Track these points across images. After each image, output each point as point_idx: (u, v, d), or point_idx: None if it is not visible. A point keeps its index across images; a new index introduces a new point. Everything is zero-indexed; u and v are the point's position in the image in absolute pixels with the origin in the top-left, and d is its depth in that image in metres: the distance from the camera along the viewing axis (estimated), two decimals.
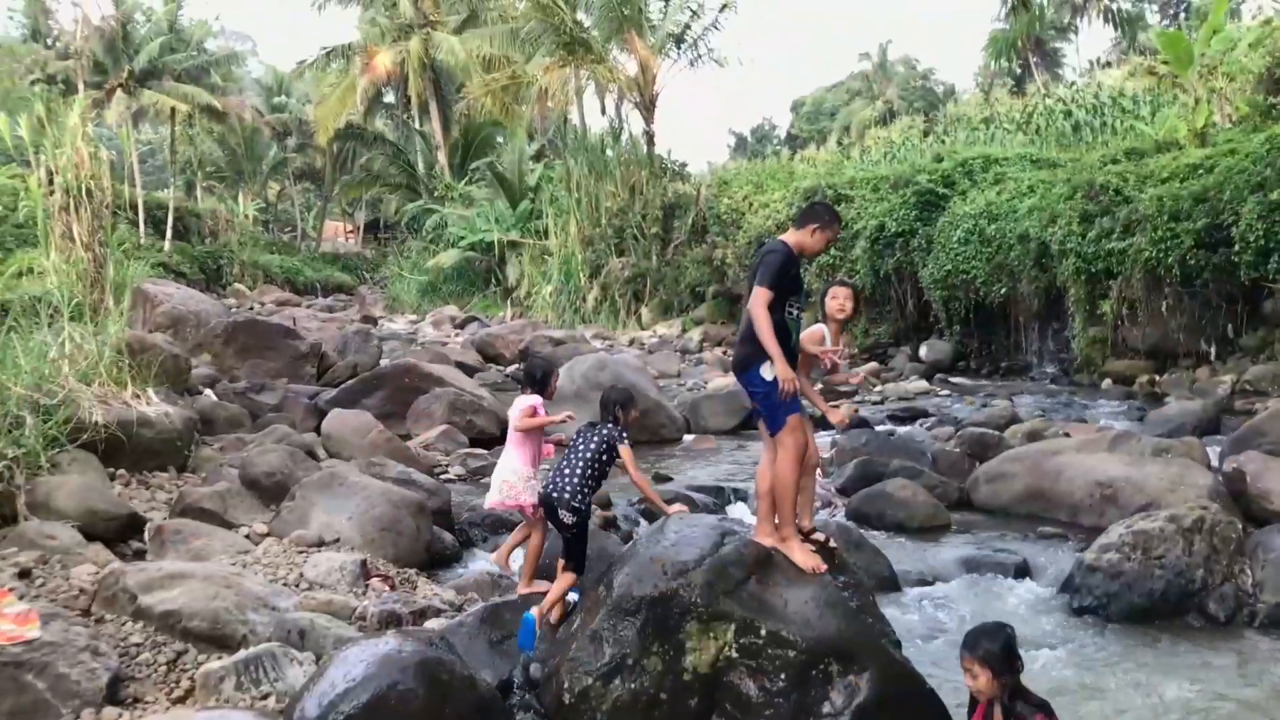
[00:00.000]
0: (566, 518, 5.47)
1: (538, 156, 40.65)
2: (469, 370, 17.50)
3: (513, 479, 5.93)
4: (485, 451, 11.87)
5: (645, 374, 14.47)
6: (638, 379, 13.83)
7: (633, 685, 4.71)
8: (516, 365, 20.24)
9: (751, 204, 28.14)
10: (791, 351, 5.19)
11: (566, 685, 4.78)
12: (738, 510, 9.26)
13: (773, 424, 5.15)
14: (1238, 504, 8.85)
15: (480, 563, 7.90)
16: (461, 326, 29.21)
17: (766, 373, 5.06)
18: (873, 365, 21.97)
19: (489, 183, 39.15)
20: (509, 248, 35.24)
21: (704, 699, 4.72)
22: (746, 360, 5.17)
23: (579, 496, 5.48)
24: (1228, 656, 6.10)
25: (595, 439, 5.63)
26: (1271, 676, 5.81)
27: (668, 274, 30.33)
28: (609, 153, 33.48)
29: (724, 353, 24.36)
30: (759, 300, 5.04)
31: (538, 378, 6.13)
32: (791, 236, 5.34)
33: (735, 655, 4.74)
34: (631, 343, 25.70)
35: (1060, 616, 6.96)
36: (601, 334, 26.93)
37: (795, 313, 5.28)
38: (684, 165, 36.15)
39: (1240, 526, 7.41)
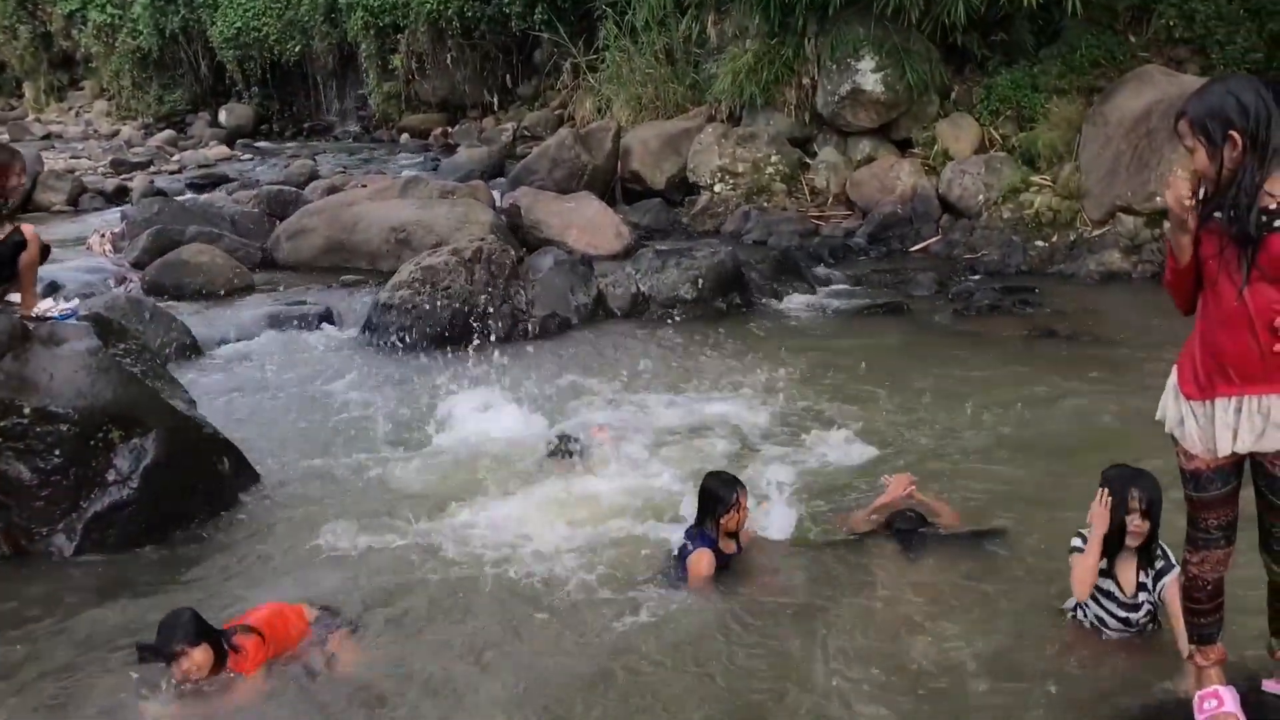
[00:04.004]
0: None
1: None
2: None
3: None
4: None
5: None
6: None
7: None
8: None
9: None
10: None
11: None
12: None
13: None
14: (516, 235, 9.86)
15: None
16: None
17: None
18: (169, 133, 20.53)
19: None
20: None
21: None
22: None
23: None
24: (506, 365, 6.67)
25: None
26: (530, 371, 6.54)
27: None
28: None
29: None
30: None
31: None
32: None
33: None
34: None
35: (365, 353, 7.31)
36: None
37: None
38: None
39: (514, 254, 8.20)
